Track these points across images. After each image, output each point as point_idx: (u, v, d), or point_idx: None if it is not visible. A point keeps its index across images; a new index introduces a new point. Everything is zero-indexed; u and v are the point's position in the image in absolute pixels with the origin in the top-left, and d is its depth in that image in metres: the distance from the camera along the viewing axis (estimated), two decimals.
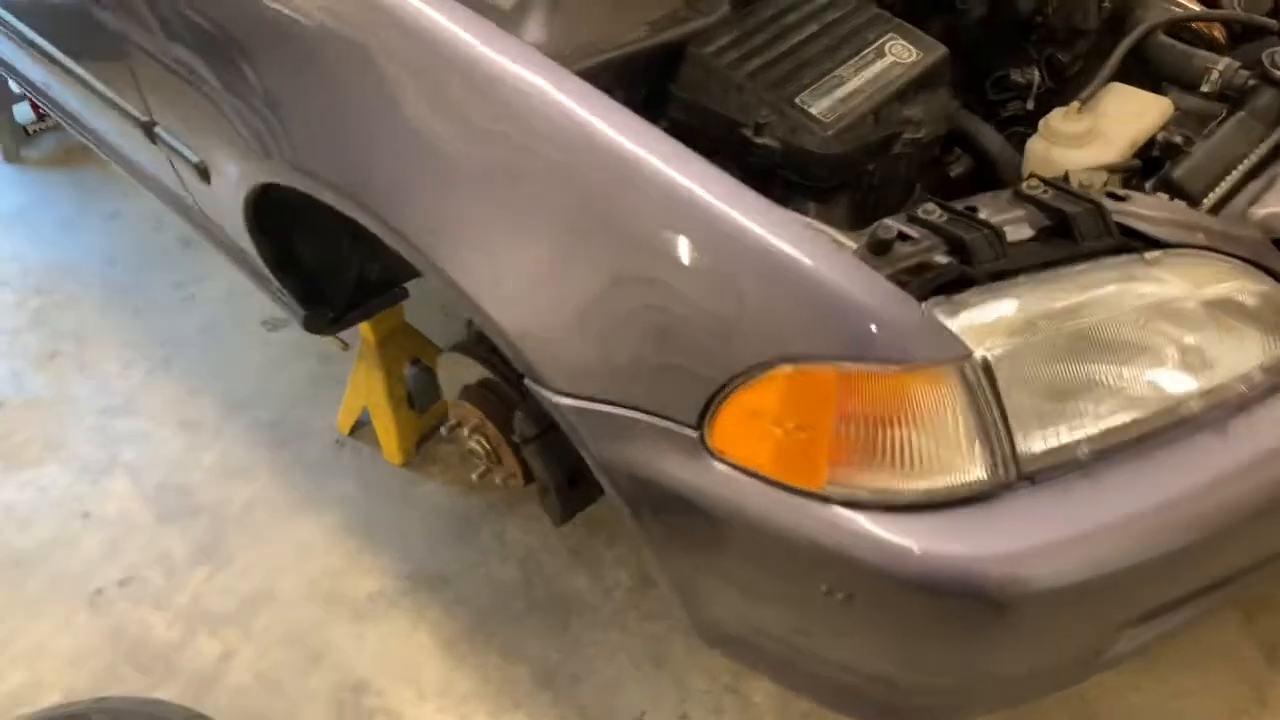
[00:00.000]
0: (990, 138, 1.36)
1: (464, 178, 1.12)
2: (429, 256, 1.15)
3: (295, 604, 1.92)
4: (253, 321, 2.46)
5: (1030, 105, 1.46)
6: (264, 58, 1.31)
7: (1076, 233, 1.06)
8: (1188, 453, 1.04)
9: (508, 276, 1.11)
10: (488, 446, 1.51)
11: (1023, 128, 1.45)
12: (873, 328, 0.97)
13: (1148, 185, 1.19)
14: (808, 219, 1.02)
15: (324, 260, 1.70)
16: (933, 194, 1.37)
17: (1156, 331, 1.05)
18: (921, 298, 1.00)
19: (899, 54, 1.25)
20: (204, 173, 1.57)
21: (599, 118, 1.05)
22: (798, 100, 1.18)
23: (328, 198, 1.25)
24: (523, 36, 1.21)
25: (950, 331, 0.99)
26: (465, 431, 1.53)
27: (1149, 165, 1.24)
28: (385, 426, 2.10)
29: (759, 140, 1.18)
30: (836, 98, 1.19)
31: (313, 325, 1.77)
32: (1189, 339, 1.05)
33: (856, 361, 0.97)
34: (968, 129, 1.37)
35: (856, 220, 1.23)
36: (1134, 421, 1.03)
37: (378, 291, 1.82)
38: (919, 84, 1.25)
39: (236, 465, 2.16)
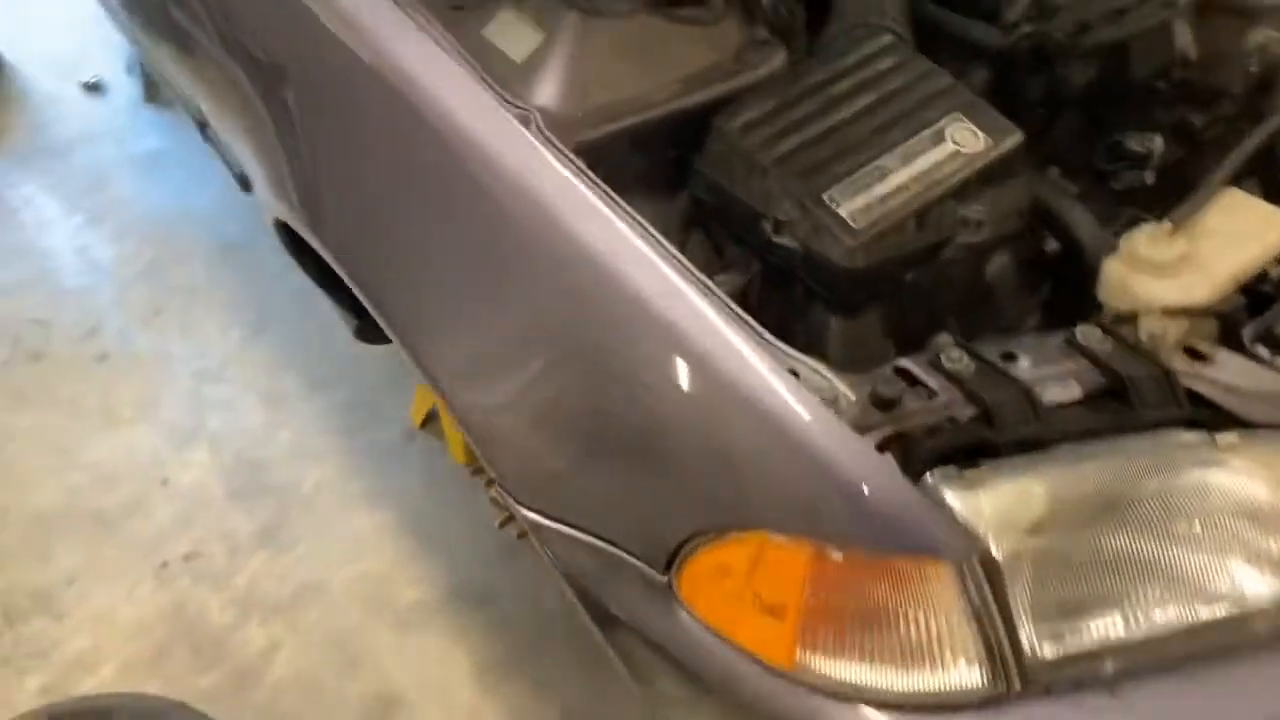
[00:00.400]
0: (1082, 223, 1.15)
1: (453, 273, 1.03)
2: (406, 341, 1.06)
3: (343, 602, 1.92)
4: None
5: (1151, 179, 1.23)
6: (288, 98, 1.23)
7: (1135, 400, 0.87)
8: (1245, 682, 0.86)
9: (482, 381, 1.01)
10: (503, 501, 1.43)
11: (1138, 208, 1.24)
12: (854, 506, 0.82)
13: (1245, 333, 0.96)
14: (803, 358, 0.87)
15: None
16: (1019, 272, 1.19)
17: (1220, 533, 0.86)
18: (925, 468, 0.85)
19: (962, 139, 1.05)
20: (245, 183, 1.52)
21: (595, 235, 0.92)
22: (826, 196, 1.01)
23: (325, 254, 1.18)
24: (533, 95, 1.09)
25: (953, 516, 0.83)
26: (484, 480, 1.46)
27: (1256, 302, 1.01)
28: (451, 424, 2.05)
29: (778, 239, 1.02)
30: (874, 195, 1.01)
31: (365, 335, 1.72)
32: (1262, 544, 0.86)
33: (832, 542, 0.84)
34: (1054, 208, 1.16)
35: (896, 332, 1.06)
36: (1179, 637, 0.85)
37: None
38: (984, 178, 1.05)
39: (310, 446, 2.16)
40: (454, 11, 1.19)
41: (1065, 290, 1.23)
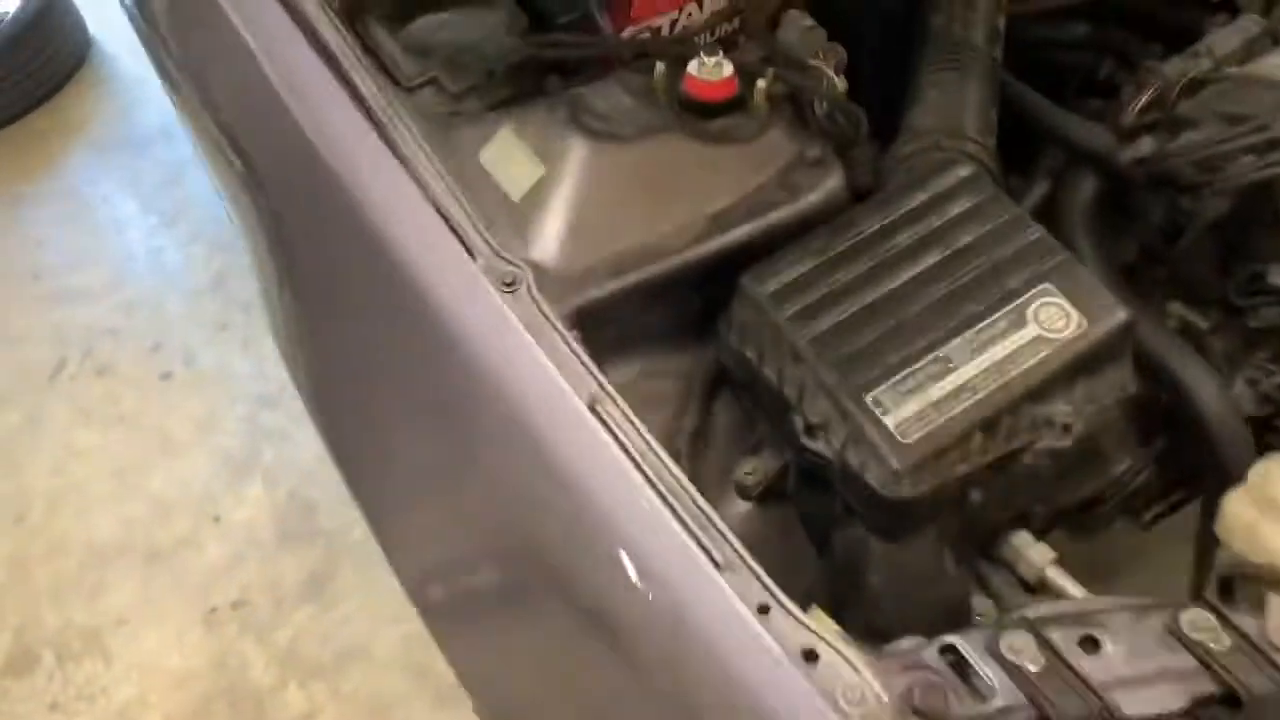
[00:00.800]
0: (1202, 387, 0.93)
1: (409, 453, 0.88)
2: (374, 531, 0.93)
3: (385, 669, 1.84)
4: None
5: None
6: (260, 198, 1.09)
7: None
8: None
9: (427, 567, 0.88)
10: None
11: (1276, 350, 1.01)
12: None
13: None
14: (824, 633, 0.70)
15: None
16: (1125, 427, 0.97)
17: None
18: None
19: (1050, 321, 0.83)
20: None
21: (574, 450, 0.76)
22: (870, 398, 0.80)
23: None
24: (529, 246, 0.92)
25: None
26: None
27: None
28: None
29: (809, 444, 0.83)
30: (930, 398, 0.80)
31: None
32: None
33: None
34: (1169, 365, 0.94)
35: (957, 543, 0.86)
36: None
37: None
38: (1075, 369, 0.83)
39: None
40: (452, 116, 1.02)
41: (1184, 446, 1.01)
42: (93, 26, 3.27)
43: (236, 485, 2.13)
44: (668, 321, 0.96)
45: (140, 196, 2.78)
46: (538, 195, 0.92)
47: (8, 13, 3.03)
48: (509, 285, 0.83)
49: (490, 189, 0.95)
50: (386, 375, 0.92)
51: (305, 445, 2.16)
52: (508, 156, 0.95)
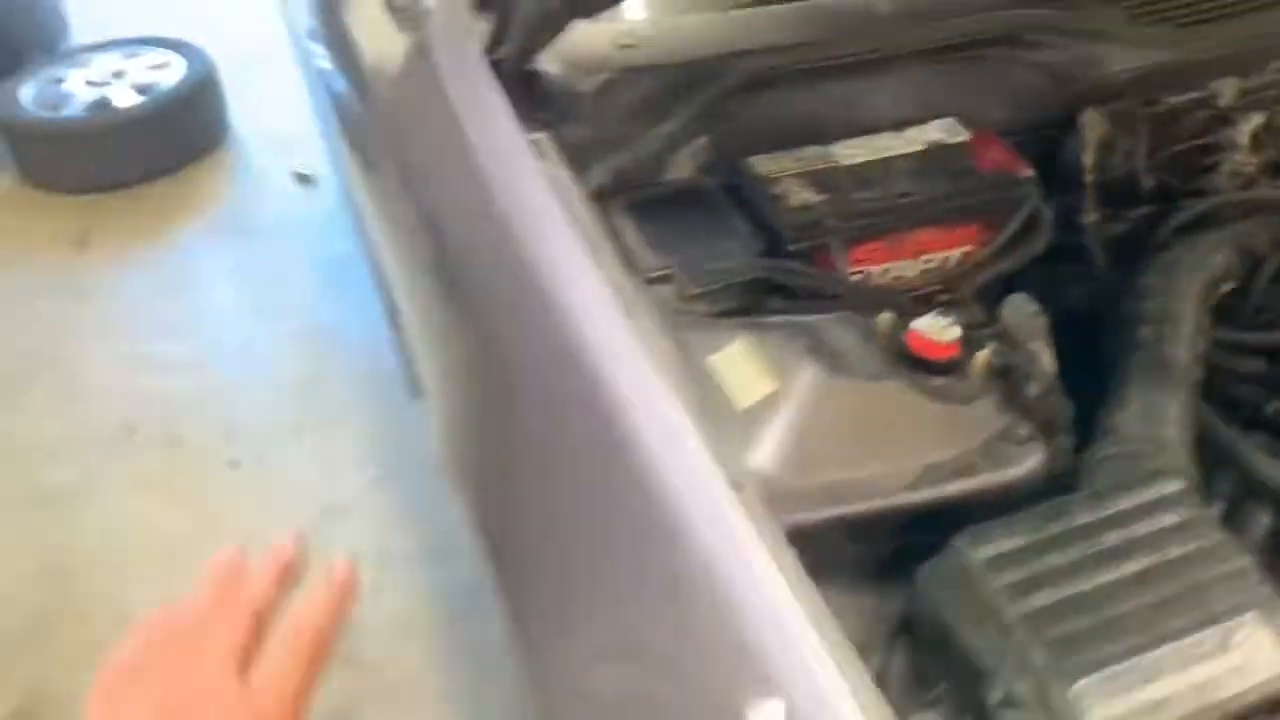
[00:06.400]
0: None
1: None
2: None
3: None
4: None
5: None
6: (481, 349, 1.14)
7: None
8: None
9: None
10: None
11: None
12: None
13: None
14: None
15: None
16: None
17: None
18: None
19: (1253, 651, 0.86)
20: (418, 389, 1.43)
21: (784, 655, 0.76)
22: (1076, 687, 0.83)
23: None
24: (753, 454, 0.95)
25: None
26: None
27: None
28: None
29: (998, 709, 0.85)
30: (1135, 702, 0.82)
31: None
32: None
33: None
34: None
35: None
36: None
37: None
38: (1275, 706, 0.86)
39: (410, 623, 2.04)
40: (679, 315, 1.07)
41: None
42: (234, 118, 3.43)
43: None
44: (858, 558, 0.98)
45: (243, 284, 2.85)
46: (765, 410, 0.97)
47: (163, 85, 3.19)
48: (737, 488, 0.86)
49: (714, 391, 0.99)
50: (594, 545, 0.94)
51: (362, 565, 2.14)
52: (740, 365, 1.00)
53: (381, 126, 1.45)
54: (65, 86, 3.24)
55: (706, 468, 0.86)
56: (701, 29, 1.31)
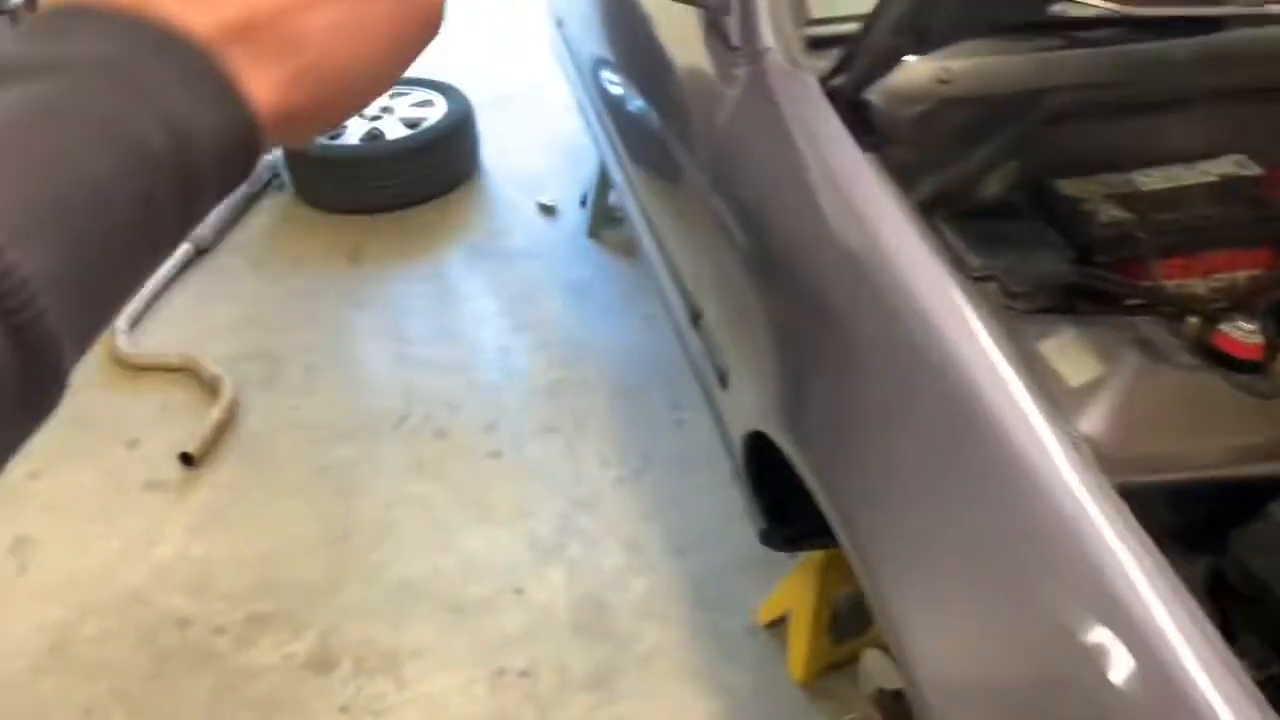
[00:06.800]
0: None
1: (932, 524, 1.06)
2: (867, 566, 1.10)
3: None
4: (722, 469, 2.53)
5: None
6: (817, 331, 1.32)
7: None
8: None
9: (933, 620, 1.02)
10: None
11: None
12: None
13: None
14: None
15: (800, 490, 1.69)
16: None
17: None
18: None
19: None
20: (723, 380, 1.62)
21: (1128, 586, 0.91)
22: None
23: (804, 472, 1.25)
24: (1081, 424, 1.10)
25: None
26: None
27: None
28: (799, 638, 2.06)
29: None
30: None
31: (768, 539, 1.77)
32: None
33: None
34: None
35: None
36: None
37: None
38: None
39: (656, 607, 2.23)
40: (1005, 311, 1.24)
41: None
42: (484, 156, 3.77)
43: (540, 568, 2.32)
44: (1170, 528, 1.11)
45: (499, 300, 3.14)
46: (1095, 388, 1.12)
47: (428, 121, 3.54)
48: (1076, 447, 1.01)
49: (1046, 373, 1.15)
50: (947, 490, 1.10)
51: (610, 553, 2.35)
52: (1070, 350, 1.15)
53: (707, 146, 1.66)
54: None
55: (1050, 429, 1.02)
56: (1009, 68, 1.48)
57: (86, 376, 2.80)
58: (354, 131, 3.55)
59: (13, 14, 3.59)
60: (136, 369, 2.86)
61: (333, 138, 3.54)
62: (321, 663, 2.15)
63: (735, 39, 1.61)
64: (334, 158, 3.48)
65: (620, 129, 2.31)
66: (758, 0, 1.57)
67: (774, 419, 1.39)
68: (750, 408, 1.50)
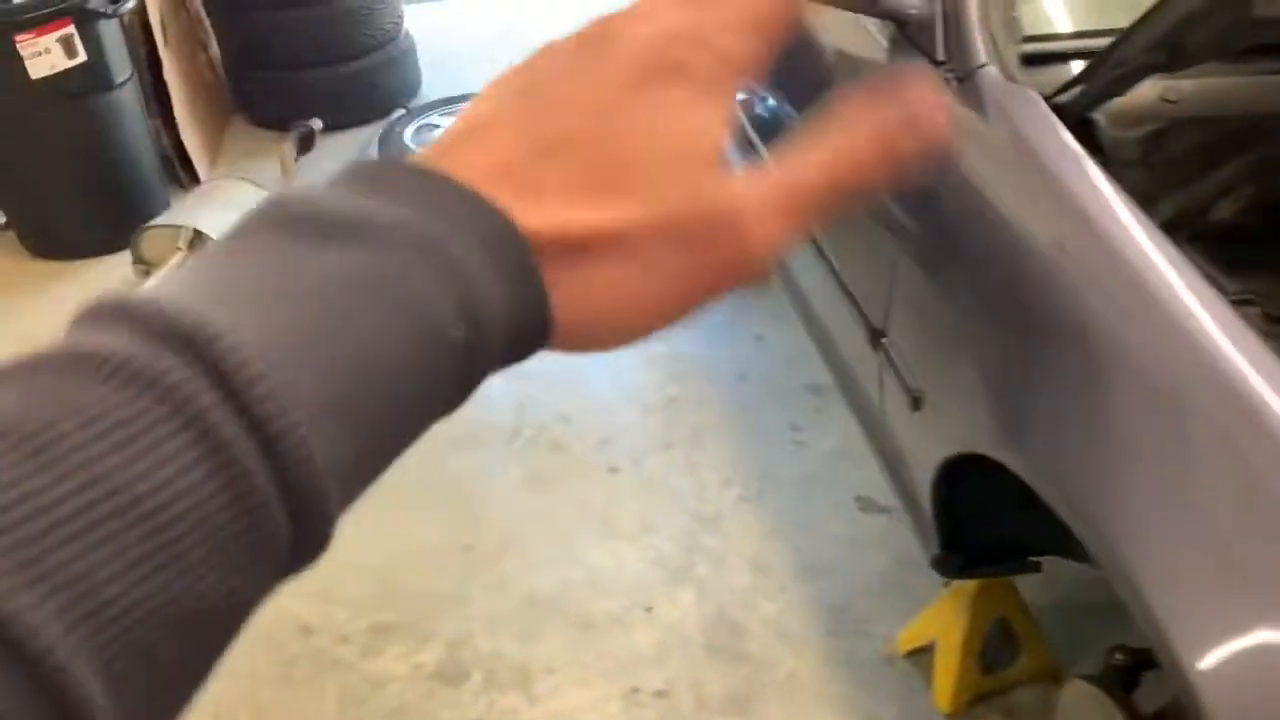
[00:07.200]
0: None
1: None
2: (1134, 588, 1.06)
3: None
4: (847, 492, 2.49)
5: None
6: (1047, 355, 1.29)
7: None
8: None
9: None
10: None
11: None
12: None
13: None
14: None
15: (983, 514, 1.66)
16: None
17: None
18: None
19: None
20: (916, 402, 1.59)
21: None
22: None
23: (1042, 490, 1.21)
24: None
25: None
26: None
27: None
28: (947, 669, 2.01)
29: None
30: None
31: (940, 566, 1.73)
32: None
33: None
34: None
35: None
36: None
37: (1014, 557, 1.75)
38: None
39: (790, 630, 2.19)
40: (1268, 331, 1.20)
41: None
42: None
43: (670, 586, 2.29)
44: None
45: None
46: None
47: None
48: None
49: None
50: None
51: (738, 571, 2.31)
52: None
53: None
54: (438, 131, 3.64)
55: None
56: (1236, 90, 1.45)
57: None
58: None
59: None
60: None
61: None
62: (451, 674, 2.12)
63: (939, 53, 1.59)
64: None
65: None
66: (970, 14, 1.54)
67: (996, 438, 1.35)
68: (958, 428, 1.47)
